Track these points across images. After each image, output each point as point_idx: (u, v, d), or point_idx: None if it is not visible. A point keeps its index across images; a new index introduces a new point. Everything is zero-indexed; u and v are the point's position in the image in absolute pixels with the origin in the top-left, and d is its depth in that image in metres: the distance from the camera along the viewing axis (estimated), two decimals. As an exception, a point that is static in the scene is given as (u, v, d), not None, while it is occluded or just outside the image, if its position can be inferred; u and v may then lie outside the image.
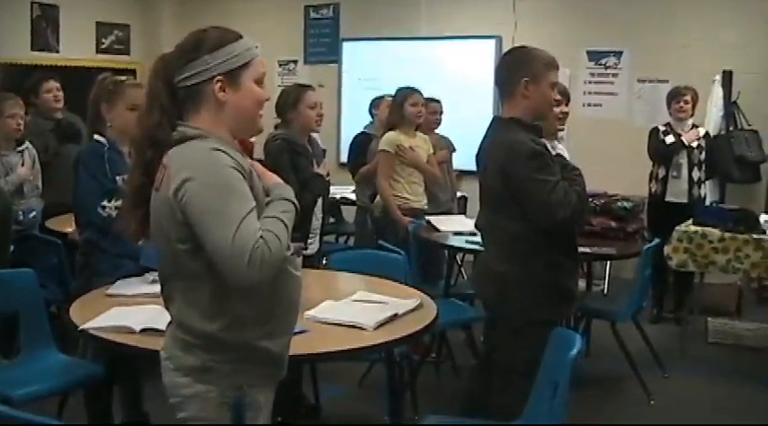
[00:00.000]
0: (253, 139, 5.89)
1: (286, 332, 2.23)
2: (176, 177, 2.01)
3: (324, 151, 4.78)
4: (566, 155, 4.16)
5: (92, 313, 2.99)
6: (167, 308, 2.21)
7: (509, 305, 3.25)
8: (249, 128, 2.23)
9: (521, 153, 3.12)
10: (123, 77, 3.90)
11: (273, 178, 2.23)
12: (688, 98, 6.30)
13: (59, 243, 4.67)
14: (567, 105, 4.04)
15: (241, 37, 2.17)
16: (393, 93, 5.79)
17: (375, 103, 6.72)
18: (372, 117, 6.74)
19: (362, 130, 6.72)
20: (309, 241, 4.45)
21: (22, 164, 5.16)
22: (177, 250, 2.07)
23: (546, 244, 3.17)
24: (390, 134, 5.55)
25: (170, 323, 2.21)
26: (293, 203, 2.15)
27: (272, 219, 2.05)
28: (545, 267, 3.19)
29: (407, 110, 5.54)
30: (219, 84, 2.11)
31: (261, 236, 1.96)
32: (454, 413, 3.53)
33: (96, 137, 3.76)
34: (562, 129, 4.12)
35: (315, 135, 4.74)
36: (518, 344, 3.19)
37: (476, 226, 3.55)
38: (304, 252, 4.21)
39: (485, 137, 3.36)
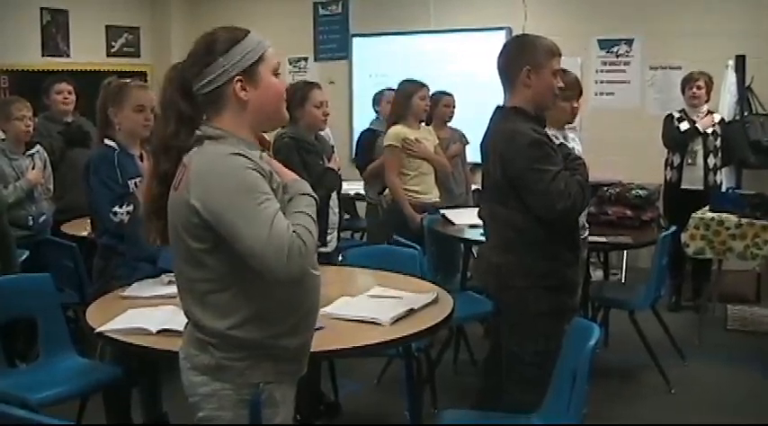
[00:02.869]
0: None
1: (304, 330, 2.23)
2: (197, 183, 2.02)
3: (332, 147, 4.76)
4: (578, 146, 4.13)
5: (108, 315, 3.00)
6: (183, 307, 2.21)
7: (509, 295, 3.23)
8: (275, 120, 2.26)
9: (521, 142, 3.08)
10: (128, 80, 3.90)
11: (290, 175, 2.24)
12: (701, 83, 6.26)
13: (74, 246, 4.68)
14: (578, 99, 3.96)
15: (249, 32, 2.16)
16: (394, 86, 5.76)
17: (377, 99, 6.68)
18: (376, 112, 6.69)
19: (368, 127, 6.67)
20: (328, 237, 4.42)
21: (33, 168, 5.17)
22: (192, 249, 2.07)
23: (545, 234, 3.14)
24: (395, 128, 5.50)
25: (188, 323, 2.22)
26: (314, 197, 2.17)
27: (299, 214, 2.07)
28: (543, 257, 3.16)
29: (416, 103, 5.49)
30: (239, 83, 2.10)
31: (294, 231, 1.99)
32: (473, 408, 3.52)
33: (106, 141, 3.75)
34: (571, 122, 4.05)
35: (323, 131, 4.72)
36: (522, 335, 3.18)
37: (479, 216, 3.53)
38: (323, 249, 4.21)
39: (488, 127, 3.33)
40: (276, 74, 2.18)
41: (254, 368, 2.13)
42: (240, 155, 2.03)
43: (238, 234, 1.97)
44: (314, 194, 2.18)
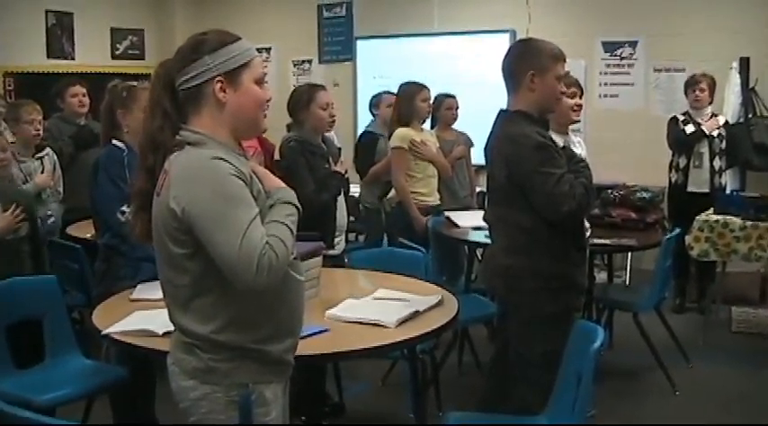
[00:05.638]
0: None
1: (288, 335, 2.23)
2: (177, 186, 2.03)
3: (339, 149, 4.76)
4: (582, 149, 4.14)
5: (114, 317, 3.01)
6: (168, 312, 2.22)
7: (517, 297, 3.25)
8: (251, 128, 2.25)
9: (526, 145, 3.10)
10: (134, 82, 3.91)
11: (275, 181, 2.24)
12: (704, 86, 6.26)
13: (80, 248, 4.69)
14: (580, 97, 4.01)
15: (240, 38, 2.18)
16: (395, 89, 5.76)
17: (374, 102, 6.67)
18: (374, 115, 6.69)
19: (366, 130, 6.63)
20: (335, 240, 4.40)
21: (42, 171, 5.18)
22: (174, 254, 2.09)
23: (552, 236, 3.15)
24: (402, 130, 5.50)
25: (175, 329, 2.23)
26: (296, 206, 2.16)
27: (277, 224, 2.07)
28: (552, 259, 3.17)
29: (419, 105, 5.50)
30: (220, 84, 2.12)
31: (267, 242, 1.98)
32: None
33: (114, 141, 3.77)
34: (578, 120, 4.08)
35: (329, 133, 4.72)
36: (530, 337, 3.19)
37: (484, 219, 3.54)
38: (331, 252, 4.21)
39: (492, 131, 3.34)
40: (260, 83, 2.19)
41: (241, 368, 2.14)
42: (222, 159, 2.04)
43: (211, 239, 1.99)
44: (296, 203, 2.18)
